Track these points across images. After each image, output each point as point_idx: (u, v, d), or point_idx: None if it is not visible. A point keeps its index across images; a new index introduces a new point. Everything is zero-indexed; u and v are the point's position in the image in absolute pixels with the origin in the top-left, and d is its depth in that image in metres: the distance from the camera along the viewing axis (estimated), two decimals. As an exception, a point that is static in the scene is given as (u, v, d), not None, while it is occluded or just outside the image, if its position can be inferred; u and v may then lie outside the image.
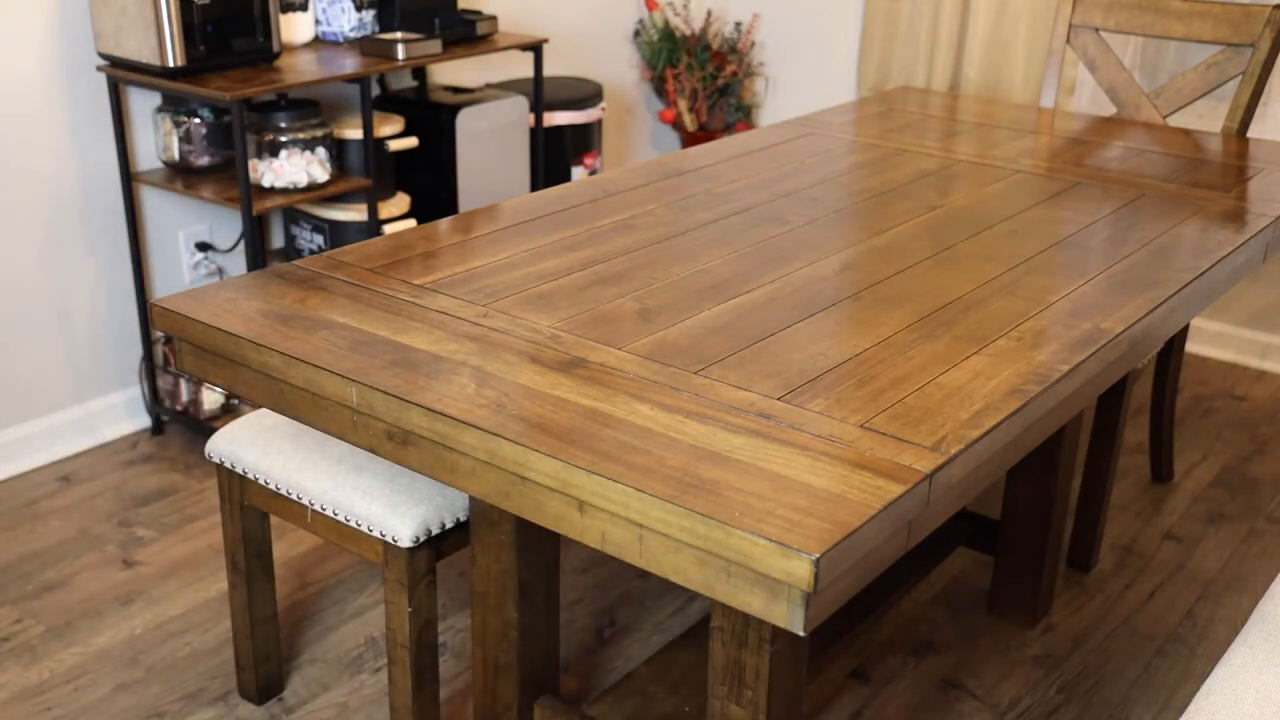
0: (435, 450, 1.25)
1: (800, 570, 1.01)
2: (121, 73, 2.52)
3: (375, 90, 2.97)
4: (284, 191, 2.60)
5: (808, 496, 1.09)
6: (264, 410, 1.82)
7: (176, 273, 2.86)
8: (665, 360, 1.34)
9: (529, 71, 3.16)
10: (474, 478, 1.23)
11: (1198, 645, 2.13)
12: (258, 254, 2.60)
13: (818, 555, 1.00)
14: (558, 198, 1.91)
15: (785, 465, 1.14)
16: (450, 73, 3.30)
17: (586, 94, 3.43)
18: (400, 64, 2.75)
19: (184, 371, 1.65)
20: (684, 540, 1.08)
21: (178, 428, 2.84)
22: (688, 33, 3.93)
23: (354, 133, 2.73)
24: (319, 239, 2.86)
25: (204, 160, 2.64)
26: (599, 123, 3.48)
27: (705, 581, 1.08)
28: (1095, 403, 2.18)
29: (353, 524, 1.64)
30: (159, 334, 2.81)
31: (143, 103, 2.69)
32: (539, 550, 1.57)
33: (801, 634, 1.04)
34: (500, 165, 3.09)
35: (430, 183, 2.99)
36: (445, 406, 1.23)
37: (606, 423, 1.21)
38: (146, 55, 2.43)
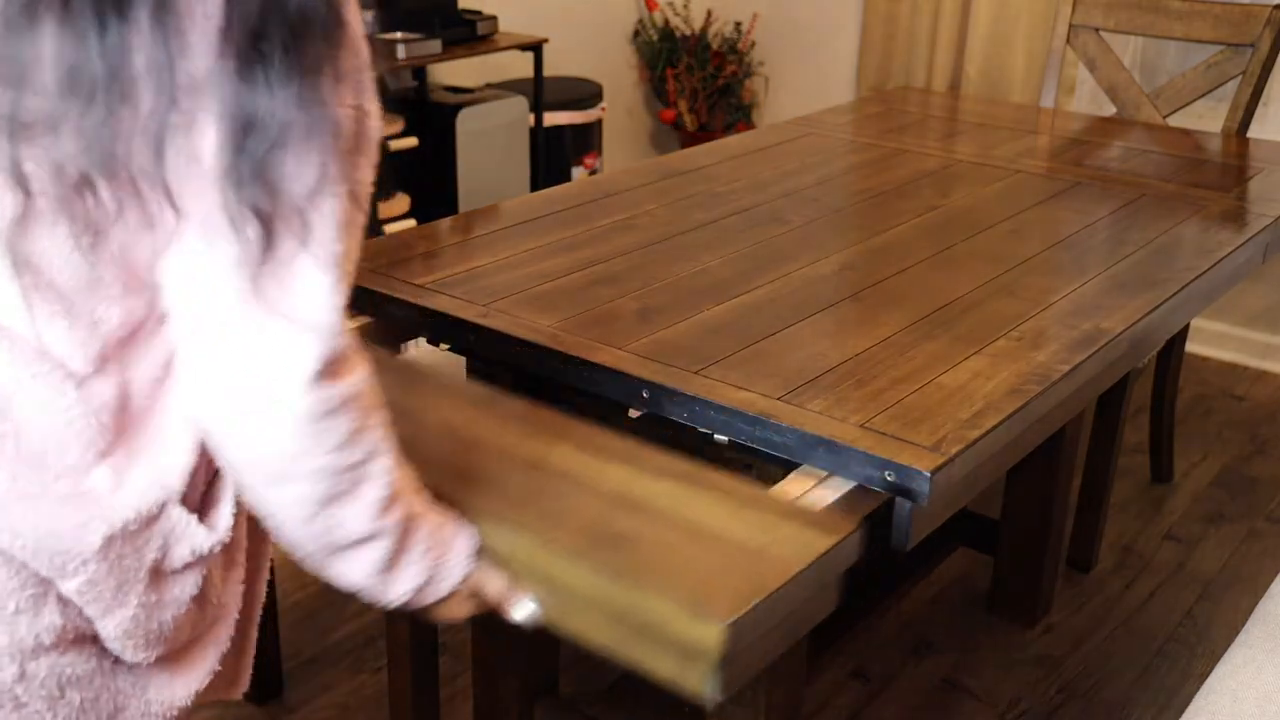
0: None
1: (709, 637, 0.91)
2: (121, 73, 2.51)
3: (375, 90, 2.96)
4: (284, 191, 2.60)
5: (727, 551, 1.00)
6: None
7: (176, 273, 2.86)
8: (665, 360, 1.34)
9: (529, 71, 3.16)
10: None
11: (1198, 645, 2.13)
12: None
13: (728, 621, 0.91)
14: (558, 198, 1.91)
15: (708, 513, 1.05)
16: (450, 73, 3.30)
17: (586, 94, 3.43)
18: (400, 64, 2.75)
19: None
20: (592, 598, 0.98)
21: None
22: (687, 33, 3.93)
23: (354, 133, 2.73)
24: (319, 239, 2.86)
25: (204, 160, 2.64)
26: (599, 123, 3.48)
27: (616, 643, 0.99)
28: (1095, 403, 2.18)
29: (353, 524, 1.64)
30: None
31: (143, 103, 2.69)
32: (539, 550, 1.57)
33: (719, 699, 0.95)
34: (500, 165, 3.09)
35: (430, 183, 2.99)
36: None
37: (520, 465, 1.12)
38: (146, 55, 2.43)
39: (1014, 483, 2.11)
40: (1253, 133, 2.47)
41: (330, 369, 0.85)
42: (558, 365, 1.36)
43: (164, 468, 0.88)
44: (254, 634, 1.07)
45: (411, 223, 2.89)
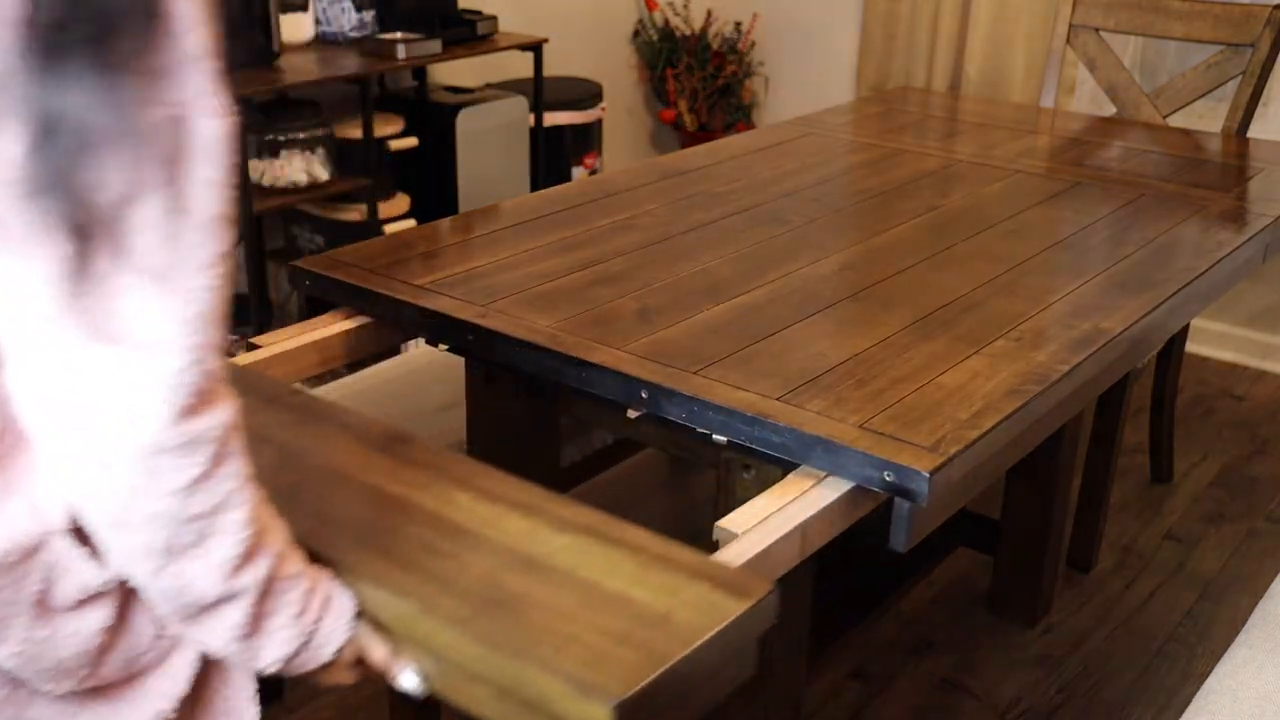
0: None
1: (597, 717, 0.83)
2: (121, 73, 2.51)
3: (375, 90, 2.96)
4: (284, 191, 2.60)
5: (626, 616, 0.91)
6: (264, 410, 1.82)
7: (176, 273, 2.86)
8: (665, 360, 1.34)
9: (529, 71, 3.16)
10: None
11: (1198, 645, 2.13)
12: (257, 254, 2.60)
13: (618, 699, 0.82)
14: (558, 198, 1.91)
15: (609, 572, 0.96)
16: (450, 73, 3.30)
17: (586, 94, 3.43)
18: (400, 64, 2.75)
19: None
20: (478, 670, 0.90)
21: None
22: (687, 33, 3.93)
23: (354, 133, 2.73)
24: (319, 239, 2.86)
25: (204, 160, 2.64)
26: (599, 123, 3.48)
27: (506, 718, 0.91)
28: (1095, 403, 2.18)
29: (352, 524, 1.64)
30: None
31: (143, 103, 2.69)
32: (538, 550, 1.56)
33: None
34: (500, 165, 3.09)
35: (430, 183, 2.99)
36: None
37: (414, 516, 1.04)
38: (146, 55, 2.43)
39: (1014, 483, 2.11)
40: (1253, 133, 2.47)
41: (173, 401, 0.77)
42: (557, 365, 1.36)
43: (39, 499, 0.82)
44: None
45: (411, 223, 2.89)
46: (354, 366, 1.83)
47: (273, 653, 0.90)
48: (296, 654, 0.91)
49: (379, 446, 1.14)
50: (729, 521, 1.14)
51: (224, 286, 0.79)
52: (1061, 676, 2.05)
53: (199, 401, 0.78)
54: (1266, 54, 2.41)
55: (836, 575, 1.98)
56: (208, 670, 0.97)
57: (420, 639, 0.93)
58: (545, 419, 1.64)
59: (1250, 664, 1.34)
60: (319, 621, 0.92)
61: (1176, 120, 2.53)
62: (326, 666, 0.95)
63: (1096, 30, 2.61)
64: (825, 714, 1.95)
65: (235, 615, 0.86)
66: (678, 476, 2.66)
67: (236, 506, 0.83)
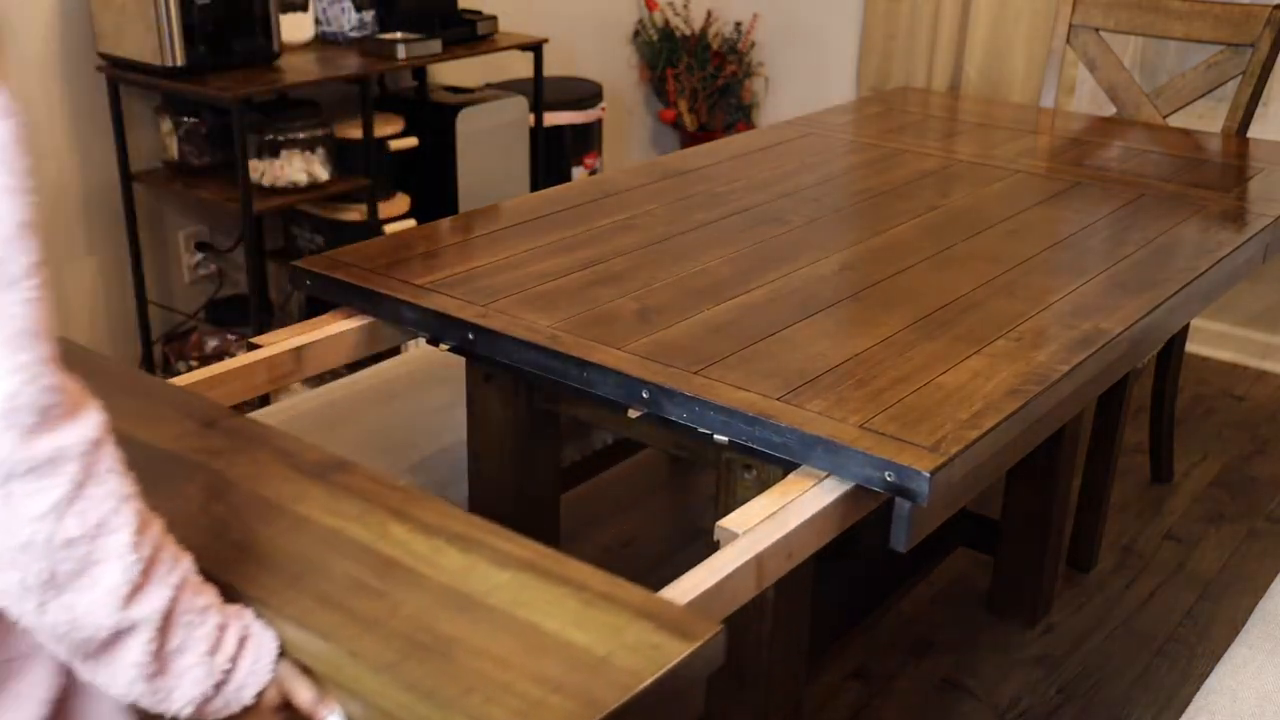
0: None
1: None
2: (121, 72, 2.52)
3: (375, 90, 2.97)
4: (284, 191, 2.60)
5: (563, 661, 0.86)
6: (264, 411, 1.82)
7: (176, 273, 2.86)
8: (665, 360, 1.34)
9: (529, 71, 3.16)
10: None
11: (1198, 645, 2.13)
12: (257, 254, 2.60)
13: None
14: (558, 198, 1.91)
15: (549, 613, 0.91)
16: (450, 73, 3.30)
17: (586, 94, 3.43)
18: (400, 64, 2.75)
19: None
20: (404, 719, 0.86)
21: (178, 428, 2.84)
22: (687, 33, 3.93)
23: (354, 133, 2.73)
24: (319, 239, 2.86)
25: (204, 160, 2.64)
26: (599, 123, 3.48)
27: None
28: (1095, 403, 2.18)
29: (352, 524, 1.64)
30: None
31: (143, 102, 2.69)
32: (539, 550, 1.56)
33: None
34: (500, 165, 3.09)
35: (430, 183, 2.99)
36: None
37: (346, 551, 0.99)
38: (146, 55, 2.43)
39: (1014, 483, 2.11)
40: (1253, 133, 2.47)
41: (14, 423, 0.73)
42: (557, 365, 1.36)
43: None
44: None
45: (411, 223, 2.89)
46: (354, 366, 1.83)
47: (185, 693, 0.85)
48: (213, 696, 0.87)
49: (315, 475, 1.09)
50: (729, 521, 1.14)
51: (45, 297, 0.76)
52: (1061, 676, 2.05)
53: (44, 419, 0.75)
54: (1266, 54, 2.41)
55: (836, 575, 1.98)
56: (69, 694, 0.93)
57: (346, 684, 0.89)
58: (545, 419, 1.64)
59: (1250, 664, 1.34)
60: (235, 660, 0.87)
61: (1176, 120, 2.53)
62: (248, 710, 0.89)
63: (1096, 30, 2.61)
64: (825, 714, 1.95)
65: (135, 652, 0.82)
66: (678, 476, 2.66)
67: (118, 529, 0.79)
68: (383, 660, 0.86)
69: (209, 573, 0.90)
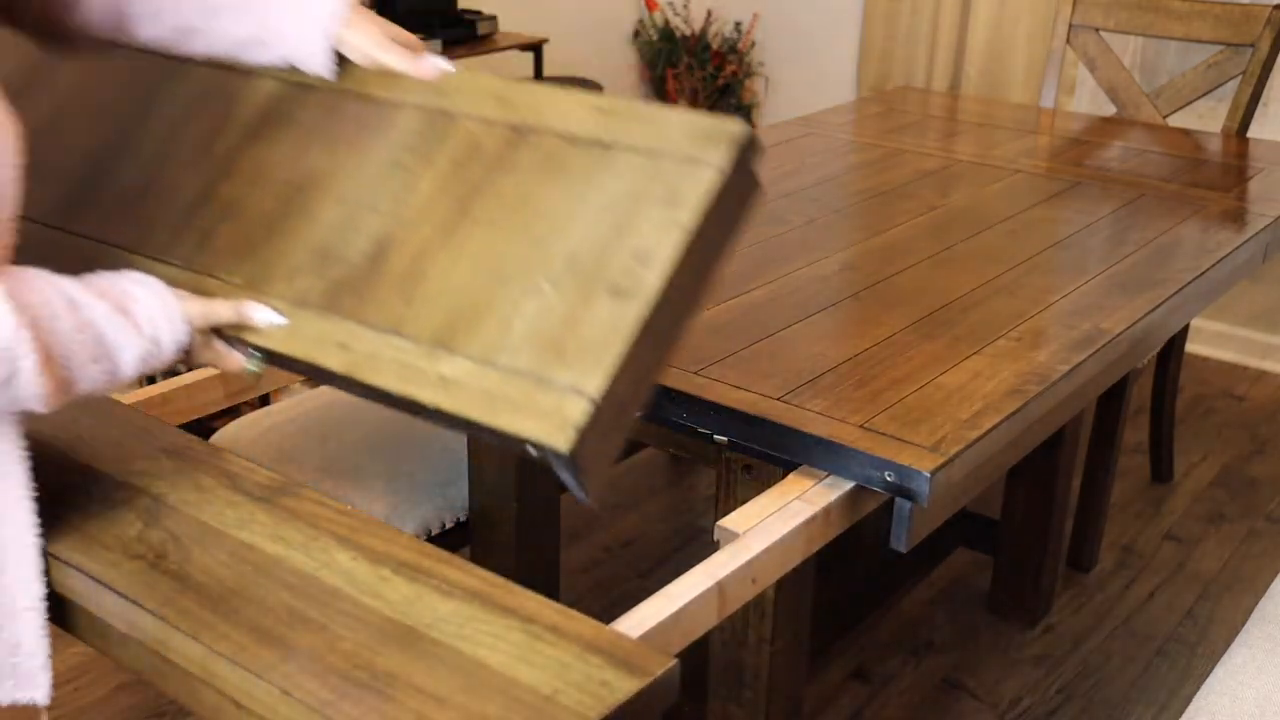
0: (84, 614, 0.99)
1: None
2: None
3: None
4: (284, 191, 2.60)
5: (506, 699, 0.83)
6: (263, 411, 1.82)
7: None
8: (665, 360, 1.34)
9: (529, 71, 3.16)
10: (125, 649, 0.98)
11: (1198, 645, 2.13)
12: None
13: None
14: (558, 198, 1.91)
15: (495, 647, 0.88)
16: (450, 73, 3.30)
17: (586, 94, 3.43)
18: (400, 64, 2.75)
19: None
20: None
21: (178, 428, 2.84)
22: (687, 33, 3.93)
23: (354, 133, 2.73)
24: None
25: (204, 160, 2.64)
26: (599, 123, 3.48)
27: None
28: (1095, 403, 2.19)
29: (352, 524, 1.64)
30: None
31: (143, 103, 2.69)
32: (539, 550, 1.57)
33: None
34: (500, 165, 3.08)
35: (430, 183, 2.99)
36: (89, 558, 0.98)
37: (287, 580, 0.95)
38: (146, 55, 2.43)
39: (1014, 483, 2.11)
40: (1253, 133, 2.47)
41: None
42: (557, 365, 1.36)
43: None
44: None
45: (411, 223, 2.89)
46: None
47: (127, 370, 0.94)
48: (145, 359, 0.94)
49: (261, 499, 1.06)
50: (729, 521, 1.14)
51: None
52: (1061, 676, 2.05)
53: None
54: (1266, 54, 2.41)
55: (836, 575, 1.99)
56: None
57: None
58: (545, 419, 1.63)
59: (1250, 664, 1.34)
60: (147, 323, 0.94)
61: (1176, 120, 2.53)
62: (189, 353, 0.98)
63: (1096, 30, 2.61)
64: (825, 714, 1.95)
65: (25, 373, 0.87)
66: (678, 476, 2.66)
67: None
68: (317, 699, 0.83)
69: (138, 600, 0.93)
